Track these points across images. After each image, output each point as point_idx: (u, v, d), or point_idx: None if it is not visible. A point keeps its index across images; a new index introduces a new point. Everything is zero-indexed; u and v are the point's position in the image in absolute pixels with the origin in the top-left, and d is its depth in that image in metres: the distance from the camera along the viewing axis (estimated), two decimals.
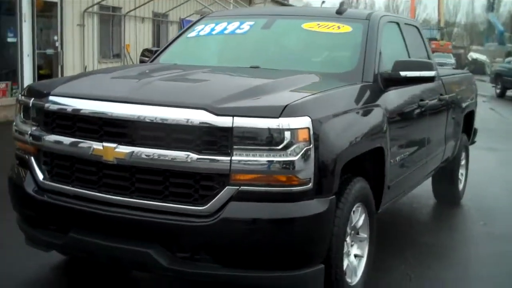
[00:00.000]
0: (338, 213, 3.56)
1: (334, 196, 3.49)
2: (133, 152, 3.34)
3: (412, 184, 5.38)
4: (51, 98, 3.71)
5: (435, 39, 63.50)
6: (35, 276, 4.42)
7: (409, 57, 5.32)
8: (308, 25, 4.98)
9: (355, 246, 3.97)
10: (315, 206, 3.33)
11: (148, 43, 19.99)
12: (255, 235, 3.23)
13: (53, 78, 13.23)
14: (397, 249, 5.33)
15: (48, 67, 14.61)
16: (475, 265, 5.23)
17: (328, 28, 4.89)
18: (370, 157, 4.10)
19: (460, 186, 7.14)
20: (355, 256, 3.98)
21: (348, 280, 3.81)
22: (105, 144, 3.42)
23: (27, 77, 13.02)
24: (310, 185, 3.29)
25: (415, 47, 5.72)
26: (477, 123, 7.79)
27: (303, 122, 3.25)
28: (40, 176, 3.72)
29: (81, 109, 3.54)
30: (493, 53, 48.15)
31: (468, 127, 7.17)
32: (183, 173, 3.28)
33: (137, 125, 3.37)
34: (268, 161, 3.18)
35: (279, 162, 3.18)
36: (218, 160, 3.20)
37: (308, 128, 3.26)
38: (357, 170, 3.96)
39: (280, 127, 3.19)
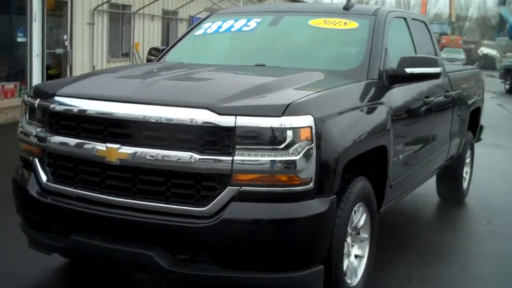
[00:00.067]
0: (339, 213, 3.56)
1: (335, 196, 3.49)
2: (136, 152, 3.35)
3: (415, 183, 5.37)
4: (56, 98, 3.73)
5: (446, 34, 63.24)
6: (38, 279, 4.44)
7: (416, 53, 5.30)
8: (315, 22, 4.99)
9: (355, 247, 3.97)
10: (316, 206, 3.34)
11: (157, 41, 20.02)
12: (256, 236, 3.24)
13: (62, 78, 13.26)
14: (398, 248, 5.32)
15: (57, 67, 14.66)
16: (478, 264, 5.21)
17: (334, 24, 4.90)
18: (373, 156, 4.10)
19: (465, 185, 7.11)
20: (356, 256, 3.97)
21: (348, 281, 3.81)
22: (109, 145, 3.43)
23: (36, 77, 13.05)
24: (311, 184, 3.29)
25: (422, 42, 5.71)
26: (483, 120, 7.74)
27: (305, 121, 3.25)
28: (44, 177, 3.74)
29: (85, 110, 3.56)
30: (504, 48, 47.80)
31: (474, 124, 7.14)
32: (185, 174, 3.29)
33: (140, 125, 3.38)
34: (270, 160, 3.19)
35: (280, 161, 3.19)
36: (220, 160, 3.21)
37: (311, 127, 3.26)
38: (359, 169, 3.96)
39: (283, 126, 3.19)
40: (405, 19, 5.41)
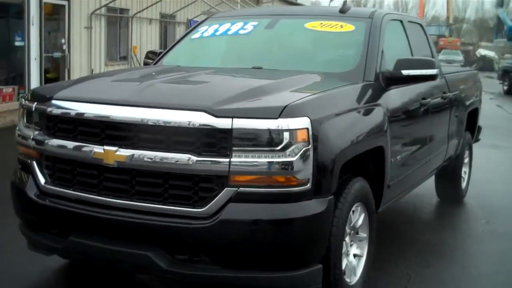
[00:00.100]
0: (337, 213, 3.58)
1: (332, 196, 3.51)
2: (133, 155, 3.37)
3: (413, 183, 5.39)
4: (53, 102, 3.75)
5: (444, 36, 63.39)
6: (37, 280, 4.46)
7: (412, 55, 5.32)
8: (311, 25, 5.01)
9: (354, 246, 3.99)
10: (314, 207, 3.35)
11: (155, 45, 20.05)
12: (254, 236, 3.26)
13: (60, 81, 13.26)
14: (398, 248, 5.34)
15: (55, 70, 14.68)
16: (477, 263, 5.23)
17: (331, 27, 4.92)
18: (370, 157, 4.12)
19: (463, 185, 7.13)
20: (354, 256, 3.99)
21: (347, 280, 3.83)
22: (106, 147, 3.45)
23: (34, 81, 13.08)
24: (309, 185, 3.31)
25: (419, 45, 5.73)
26: (482, 120, 7.77)
27: (302, 122, 3.27)
28: (42, 180, 3.76)
29: (82, 113, 3.59)
30: (502, 50, 47.94)
31: (472, 125, 7.18)
32: (182, 175, 3.31)
33: (137, 128, 3.40)
34: (267, 162, 3.21)
35: (277, 163, 3.21)
36: (217, 162, 3.23)
37: (307, 129, 3.28)
38: (357, 169, 3.98)
39: (279, 128, 3.21)
40: (401, 21, 5.44)
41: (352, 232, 3.92)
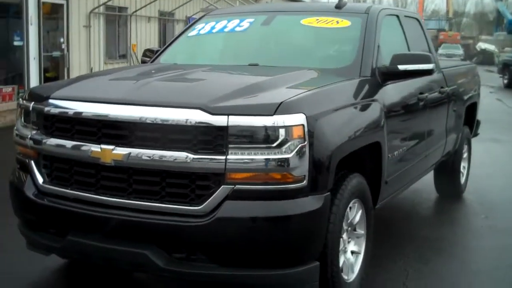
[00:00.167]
0: (334, 210, 3.58)
1: (329, 193, 3.51)
2: (130, 153, 3.38)
3: (411, 179, 5.38)
4: (50, 101, 3.76)
5: (444, 30, 63.32)
6: (37, 279, 4.47)
7: (409, 50, 5.32)
8: (307, 21, 5.01)
9: (352, 243, 3.99)
10: (310, 203, 3.36)
11: (154, 43, 20.06)
12: (250, 234, 3.26)
13: (57, 81, 13.28)
14: (396, 244, 5.34)
15: (54, 69, 14.70)
16: (476, 259, 5.22)
17: (327, 23, 4.92)
18: (367, 152, 4.12)
19: (462, 180, 7.12)
20: (352, 252, 3.99)
21: (345, 276, 3.83)
22: (103, 146, 3.45)
23: (34, 81, 13.10)
24: (305, 182, 3.31)
25: (416, 39, 5.72)
26: (482, 114, 7.74)
27: (297, 119, 3.27)
28: (40, 179, 3.77)
29: (79, 112, 3.59)
30: (502, 43, 47.84)
31: (470, 119, 7.16)
32: (179, 173, 3.31)
33: (134, 126, 3.40)
34: (263, 159, 3.21)
35: (273, 159, 3.21)
36: (213, 159, 3.23)
37: (303, 125, 3.28)
38: (354, 165, 3.98)
39: (275, 124, 3.21)
40: (397, 16, 5.43)
41: (349, 229, 3.92)
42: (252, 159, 3.21)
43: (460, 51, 49.97)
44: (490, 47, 49.82)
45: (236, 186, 3.25)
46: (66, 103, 3.70)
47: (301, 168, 3.29)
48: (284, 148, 3.22)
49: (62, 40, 14.87)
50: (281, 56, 4.88)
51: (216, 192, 3.26)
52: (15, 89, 12.83)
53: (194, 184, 3.31)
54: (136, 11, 18.71)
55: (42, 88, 4.31)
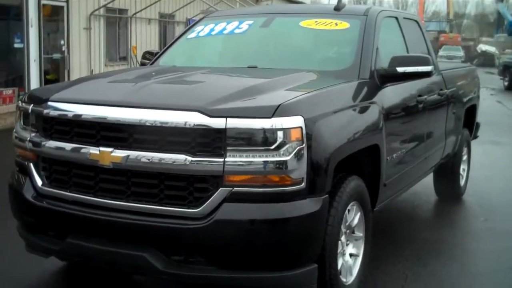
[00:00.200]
0: (332, 212, 3.58)
1: (327, 195, 3.51)
2: (128, 156, 3.38)
3: (410, 182, 5.38)
4: (49, 103, 3.77)
5: (444, 32, 63.35)
6: (36, 281, 4.48)
7: (408, 52, 5.32)
8: (306, 23, 5.01)
9: (350, 245, 3.99)
10: (308, 206, 3.36)
11: (154, 44, 20.09)
12: (248, 236, 3.26)
13: (59, 83, 13.29)
14: (395, 247, 5.33)
15: (55, 71, 14.73)
16: (476, 261, 5.21)
17: (325, 25, 4.92)
18: (366, 155, 4.12)
19: (462, 182, 7.11)
20: (351, 255, 3.99)
21: (343, 279, 3.83)
22: (102, 148, 3.46)
23: (34, 83, 13.12)
24: (303, 184, 3.32)
25: (415, 41, 5.73)
26: (482, 117, 7.73)
27: (296, 121, 3.28)
28: (39, 182, 3.78)
29: (77, 114, 3.60)
30: (502, 45, 47.84)
31: (470, 122, 7.15)
32: (177, 176, 3.32)
33: (132, 128, 3.41)
34: (261, 161, 3.21)
35: (272, 162, 3.21)
36: (211, 162, 3.23)
37: (301, 128, 3.29)
38: (352, 168, 3.98)
39: (273, 127, 3.22)
40: (396, 18, 5.43)
41: (348, 231, 3.92)
42: (250, 161, 3.22)
43: (461, 53, 49.98)
44: (491, 49, 49.82)
45: (234, 188, 3.25)
46: (65, 105, 3.71)
47: (299, 170, 3.29)
48: (282, 150, 3.23)
49: (62, 42, 14.89)
50: (280, 58, 4.89)
51: (214, 195, 3.26)
52: (16, 91, 12.85)
53: (193, 186, 3.31)
54: (136, 13, 18.73)
55: (41, 91, 4.33)
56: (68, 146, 3.62)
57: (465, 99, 6.79)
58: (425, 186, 6.99)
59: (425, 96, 5.29)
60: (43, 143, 3.73)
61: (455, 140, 6.51)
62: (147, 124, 3.36)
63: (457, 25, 78.55)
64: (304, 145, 3.29)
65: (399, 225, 6.13)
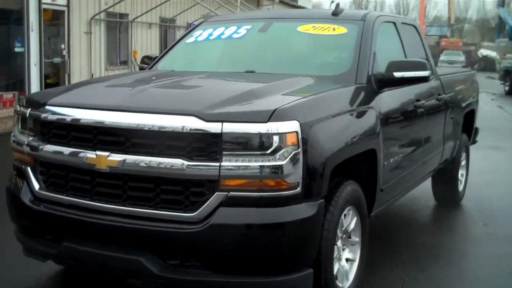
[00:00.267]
0: (328, 217, 3.58)
1: (323, 200, 3.51)
2: (125, 160, 3.39)
3: (408, 186, 5.37)
4: (47, 108, 3.78)
5: (446, 36, 63.39)
6: (33, 285, 4.48)
7: (406, 57, 5.32)
8: (304, 28, 5.02)
9: (346, 250, 3.98)
10: (304, 210, 3.36)
11: (155, 49, 20.11)
12: (244, 241, 3.27)
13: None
14: (393, 251, 5.33)
15: (55, 76, 14.75)
16: (474, 266, 5.20)
17: (323, 30, 4.93)
18: (362, 160, 4.12)
19: (460, 187, 7.11)
20: (347, 260, 3.98)
21: (339, 284, 3.83)
22: (98, 152, 3.47)
23: (34, 87, 13.14)
24: (299, 189, 3.32)
25: (413, 46, 5.73)
26: (483, 121, 7.73)
27: (291, 126, 3.29)
28: (36, 186, 3.78)
29: (75, 118, 3.62)
30: (504, 50, 47.82)
31: (468, 127, 7.15)
32: (173, 180, 3.33)
33: (129, 133, 3.42)
34: (257, 166, 3.22)
35: (267, 166, 3.22)
36: (207, 166, 3.24)
37: (297, 132, 3.29)
38: (349, 172, 3.98)
39: (269, 131, 3.22)
40: (394, 23, 5.44)
41: (344, 236, 3.92)
42: (246, 166, 3.22)
43: (462, 58, 49.97)
44: (492, 53, 49.80)
45: (230, 193, 3.25)
46: (63, 109, 3.73)
47: (295, 175, 3.29)
48: (278, 155, 3.23)
49: (63, 46, 14.92)
50: (277, 63, 4.90)
51: (210, 199, 3.27)
52: (16, 95, 12.87)
53: (188, 190, 3.32)
54: (137, 17, 18.77)
55: (39, 95, 4.34)
56: (65, 150, 3.63)
57: (463, 104, 6.79)
58: (424, 191, 6.99)
59: (423, 101, 5.29)
60: (40, 147, 3.74)
61: (453, 145, 6.51)
62: (144, 128, 3.37)
63: (458, 30, 78.60)
64: (300, 149, 3.30)
65: (397, 230, 6.12)
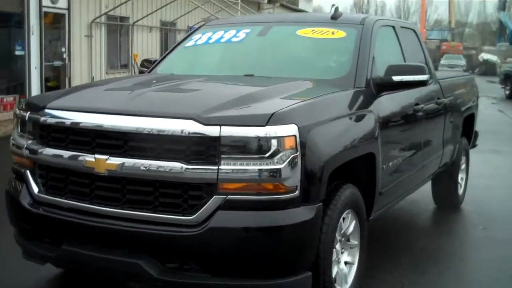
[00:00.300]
0: (327, 220, 3.59)
1: (321, 203, 3.51)
2: (123, 163, 3.40)
3: (407, 190, 5.38)
4: (46, 111, 3.79)
5: (446, 40, 63.42)
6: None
7: (405, 61, 5.33)
8: (303, 31, 5.03)
9: (345, 253, 3.98)
10: (302, 214, 3.37)
11: (156, 52, 20.14)
12: (242, 244, 3.27)
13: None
14: (392, 255, 5.32)
15: (55, 79, 14.77)
16: (473, 270, 5.21)
17: (322, 34, 4.94)
18: (361, 163, 4.13)
19: (460, 191, 7.10)
20: (346, 263, 3.99)
21: (338, 287, 3.83)
22: (97, 156, 3.48)
23: (35, 90, 13.16)
24: (297, 192, 3.33)
25: (412, 50, 5.74)
26: (484, 125, 7.72)
27: (289, 130, 3.29)
28: (35, 189, 3.79)
29: (74, 122, 3.63)
30: (504, 53, 47.82)
31: (468, 131, 7.15)
32: (172, 184, 3.33)
33: (127, 136, 3.43)
34: (255, 169, 3.23)
35: (265, 170, 3.23)
36: (205, 170, 3.25)
37: (295, 136, 3.30)
38: (347, 176, 3.99)
39: (267, 135, 3.23)
40: (393, 27, 5.45)
41: (343, 239, 3.92)
42: (244, 169, 3.23)
43: (463, 62, 49.99)
44: (492, 57, 49.77)
45: (228, 196, 3.26)
46: (62, 113, 3.74)
47: (293, 178, 3.30)
48: (276, 158, 3.24)
49: (63, 49, 14.94)
50: (276, 67, 4.90)
51: (209, 202, 3.27)
52: (16, 98, 12.89)
53: (187, 194, 3.32)
54: (137, 21, 18.80)
55: (38, 98, 4.36)
56: (64, 153, 3.64)
57: (463, 108, 6.79)
58: (423, 195, 6.99)
59: (422, 105, 5.29)
60: (39, 150, 3.75)
61: (453, 149, 6.51)
62: (142, 132, 3.37)
63: (459, 33, 78.57)
64: (298, 153, 3.31)
65: (397, 233, 6.12)
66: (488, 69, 47.51)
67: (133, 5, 18.35)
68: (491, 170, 9.40)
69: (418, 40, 6.03)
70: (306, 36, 4.97)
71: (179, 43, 5.69)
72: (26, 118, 3.91)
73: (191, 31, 5.80)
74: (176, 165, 3.28)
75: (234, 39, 5.16)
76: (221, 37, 5.25)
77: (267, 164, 3.23)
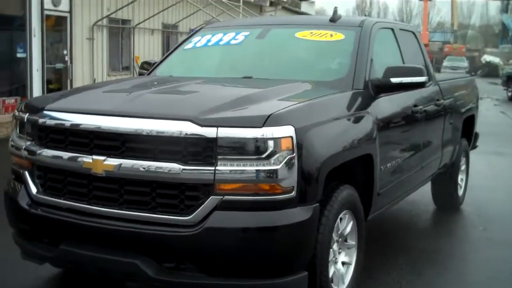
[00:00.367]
0: (323, 221, 3.60)
1: (318, 204, 3.53)
2: (121, 164, 3.42)
3: (405, 191, 5.38)
4: (45, 113, 3.82)
5: (449, 42, 63.42)
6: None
7: (404, 63, 5.35)
8: (301, 34, 5.05)
9: (342, 254, 4.00)
10: (299, 214, 3.38)
11: (157, 55, 20.16)
12: (239, 244, 3.29)
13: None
14: (391, 256, 5.33)
15: (57, 81, 14.80)
16: (473, 271, 5.21)
17: (321, 36, 4.96)
18: (359, 164, 4.14)
19: (460, 192, 7.11)
20: (343, 263, 4.00)
21: (335, 287, 3.84)
22: (95, 157, 3.50)
23: (36, 92, 13.18)
24: (294, 193, 3.34)
25: (411, 52, 5.75)
26: (486, 127, 7.72)
27: (286, 131, 3.31)
28: (34, 189, 3.82)
29: (72, 123, 3.65)
30: (507, 55, 47.82)
31: (468, 132, 7.16)
32: (169, 184, 3.36)
33: (125, 137, 3.45)
34: (252, 170, 3.25)
35: (262, 171, 3.24)
36: (202, 170, 3.27)
37: (292, 137, 3.32)
38: (345, 177, 4.00)
39: (264, 136, 3.25)
40: (392, 29, 5.47)
41: (340, 239, 3.94)
42: (240, 170, 3.25)
43: (465, 64, 49.95)
44: (495, 59, 49.70)
45: (225, 196, 3.28)
46: (60, 114, 3.76)
47: (290, 179, 3.31)
48: (272, 159, 3.25)
49: (65, 52, 14.97)
50: (275, 69, 4.92)
51: (205, 203, 3.29)
52: (18, 100, 12.91)
53: (184, 194, 3.34)
54: (139, 23, 18.83)
55: (37, 100, 4.39)
56: (63, 154, 3.66)
57: (463, 110, 6.80)
58: (423, 196, 6.99)
59: (421, 107, 5.31)
60: (38, 151, 3.77)
61: (452, 150, 6.51)
62: (139, 133, 3.40)
63: (461, 35, 78.56)
64: (294, 154, 3.32)
65: (396, 234, 6.13)
66: (490, 71, 47.48)
67: (135, 7, 18.38)
68: (492, 172, 9.40)
69: (417, 43, 6.05)
70: (305, 39, 4.99)
71: (178, 46, 5.73)
72: (25, 119, 3.94)
73: (189, 35, 5.82)
74: (173, 166, 3.30)
75: (233, 42, 5.18)
76: (220, 40, 5.27)
77: (263, 165, 3.24)
